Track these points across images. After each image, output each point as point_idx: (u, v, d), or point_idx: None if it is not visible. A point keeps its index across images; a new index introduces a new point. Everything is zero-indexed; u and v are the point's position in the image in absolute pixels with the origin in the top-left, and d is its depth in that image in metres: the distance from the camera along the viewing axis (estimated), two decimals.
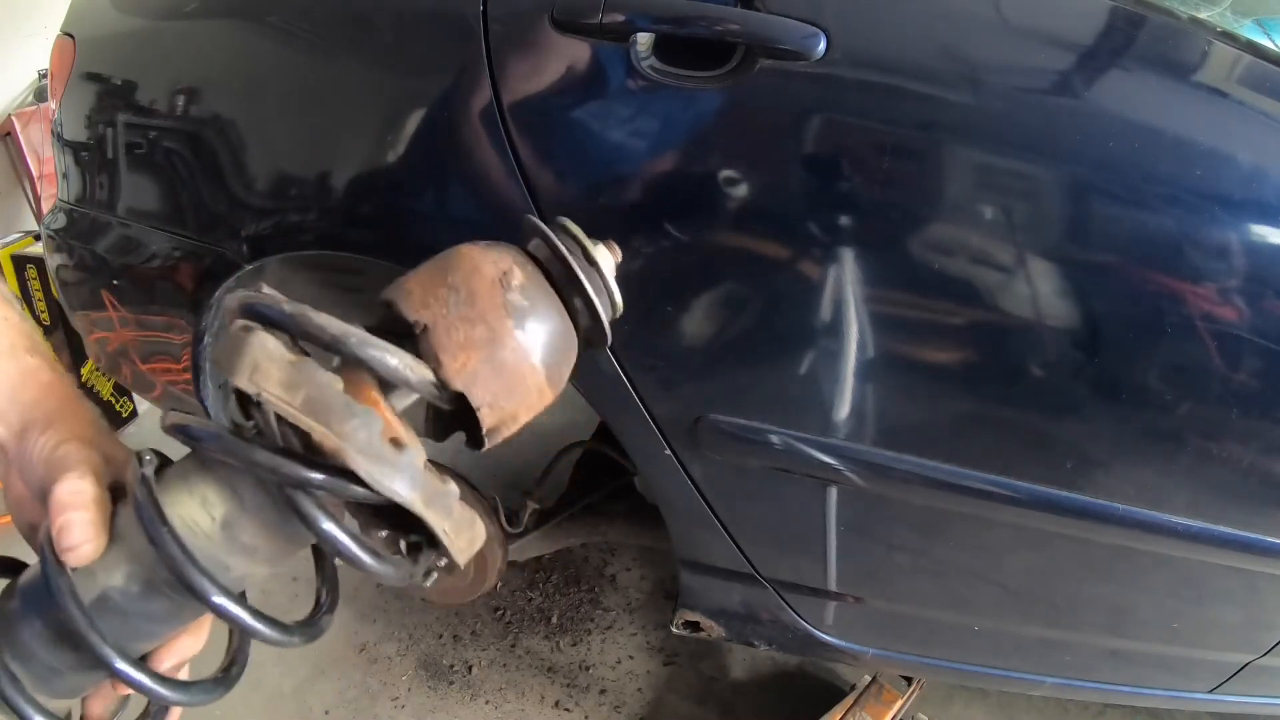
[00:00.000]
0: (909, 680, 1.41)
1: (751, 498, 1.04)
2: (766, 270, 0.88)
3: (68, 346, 2.08)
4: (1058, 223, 0.83)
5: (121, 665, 0.39)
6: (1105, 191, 0.81)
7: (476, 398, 0.37)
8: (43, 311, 2.05)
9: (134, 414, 2.31)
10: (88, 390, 2.15)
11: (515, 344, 0.38)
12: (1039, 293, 0.84)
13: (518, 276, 0.39)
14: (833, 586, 1.09)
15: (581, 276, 0.41)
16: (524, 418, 0.40)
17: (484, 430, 0.39)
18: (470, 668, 1.63)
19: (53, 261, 1.39)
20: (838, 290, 0.86)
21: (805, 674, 1.65)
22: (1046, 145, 0.81)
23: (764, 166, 0.86)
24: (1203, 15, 0.84)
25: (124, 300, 1.25)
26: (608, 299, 0.42)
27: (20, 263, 2.03)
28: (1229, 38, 0.82)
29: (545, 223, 0.43)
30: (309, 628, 0.42)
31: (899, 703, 1.39)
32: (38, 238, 2.04)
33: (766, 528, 1.07)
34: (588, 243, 0.42)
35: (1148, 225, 0.81)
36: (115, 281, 1.24)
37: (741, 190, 0.86)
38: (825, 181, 0.85)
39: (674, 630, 1.23)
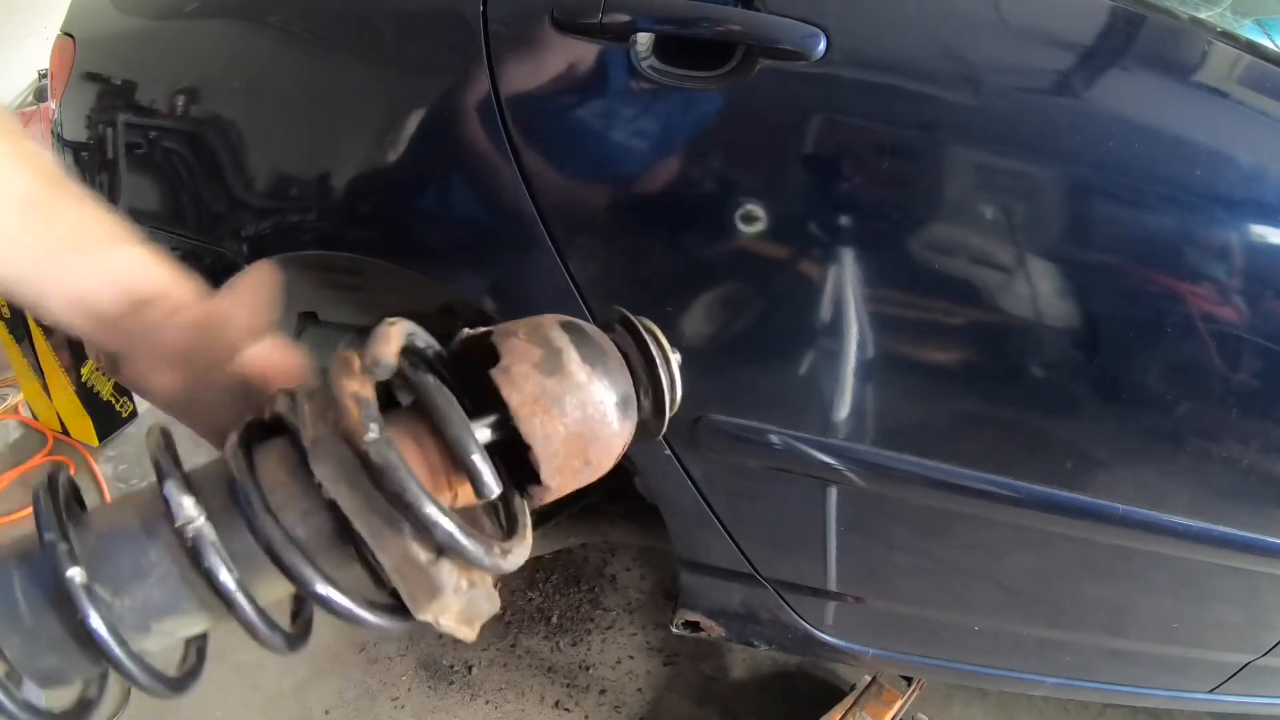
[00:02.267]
0: (909, 680, 1.41)
1: (751, 498, 1.04)
2: (766, 270, 0.88)
3: (68, 346, 2.08)
4: (1058, 223, 0.83)
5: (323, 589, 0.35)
6: (1105, 191, 0.81)
7: (546, 466, 0.38)
8: None
9: (134, 414, 2.31)
10: (88, 390, 2.15)
11: (591, 427, 0.38)
12: (1039, 293, 0.84)
13: (610, 365, 0.40)
14: (833, 586, 1.09)
15: (663, 375, 0.42)
16: (581, 483, 0.41)
17: (537, 501, 0.40)
18: (470, 668, 1.63)
19: None
20: (838, 290, 0.86)
21: (805, 674, 1.65)
22: (1046, 145, 0.81)
23: (764, 166, 0.86)
24: (1203, 15, 0.84)
25: None
26: (674, 395, 0.43)
27: None
28: (1229, 38, 0.82)
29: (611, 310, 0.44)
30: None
31: (899, 703, 1.39)
32: None
33: (766, 528, 1.07)
34: (665, 341, 0.43)
35: (1148, 225, 0.81)
36: None
37: (741, 190, 0.86)
38: (825, 182, 0.85)
39: (674, 630, 1.23)
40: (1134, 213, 0.81)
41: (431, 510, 0.33)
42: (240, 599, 0.35)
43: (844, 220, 0.85)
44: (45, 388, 2.17)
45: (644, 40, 0.84)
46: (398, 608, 0.36)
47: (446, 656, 1.66)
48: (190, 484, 0.35)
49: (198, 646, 0.41)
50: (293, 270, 1.20)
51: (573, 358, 0.38)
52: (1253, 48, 0.81)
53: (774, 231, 0.87)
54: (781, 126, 0.84)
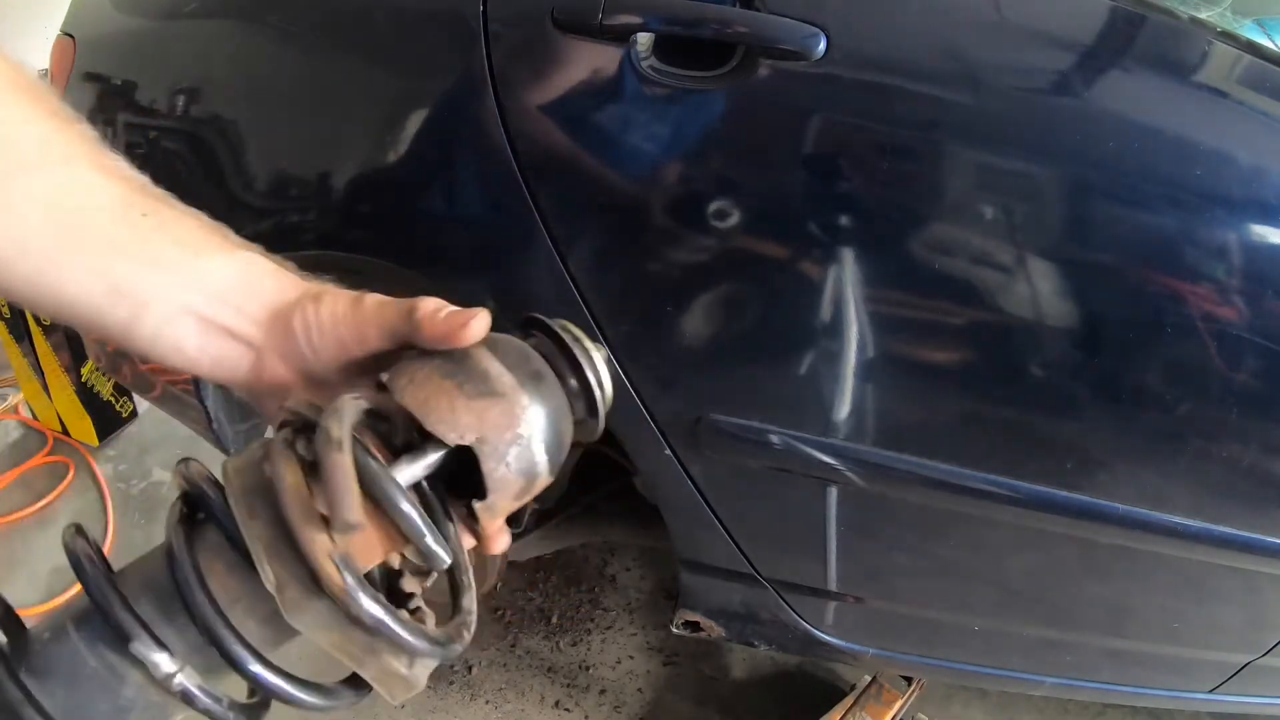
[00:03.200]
0: (909, 680, 1.41)
1: (751, 498, 1.04)
2: (767, 270, 0.88)
3: (68, 346, 2.08)
4: (1058, 223, 0.83)
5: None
6: (1105, 191, 0.81)
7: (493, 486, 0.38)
8: None
9: (134, 414, 2.31)
10: (87, 390, 2.15)
11: (527, 434, 0.38)
12: (1039, 293, 0.84)
13: (537, 376, 0.40)
14: (833, 586, 1.09)
15: (589, 376, 0.42)
16: (525, 501, 0.41)
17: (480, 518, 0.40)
18: (470, 668, 1.63)
19: None
20: (838, 290, 0.86)
21: (805, 674, 1.65)
22: (1046, 145, 0.81)
23: (764, 166, 0.86)
24: (1203, 15, 0.84)
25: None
26: (605, 393, 0.43)
27: None
28: (1229, 38, 0.82)
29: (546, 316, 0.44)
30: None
31: (899, 703, 1.39)
32: None
33: (766, 528, 1.07)
34: (586, 339, 0.43)
35: (1148, 225, 0.81)
36: None
37: (741, 190, 0.86)
38: (825, 182, 0.85)
39: (674, 630, 1.23)
40: (1134, 213, 0.81)
41: (421, 646, 0.35)
42: (231, 716, 0.36)
43: (844, 220, 0.85)
44: (45, 388, 2.17)
45: (644, 40, 0.84)
46: (357, 685, 0.38)
47: None
48: (152, 632, 0.34)
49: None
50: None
51: (510, 389, 0.38)
52: (1253, 48, 0.81)
53: (774, 231, 0.87)
54: (781, 126, 0.84)
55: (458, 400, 0.36)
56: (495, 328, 0.41)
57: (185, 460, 0.38)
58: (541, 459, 0.39)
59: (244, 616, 0.35)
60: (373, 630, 0.34)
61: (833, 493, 0.99)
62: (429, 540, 0.35)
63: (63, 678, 0.35)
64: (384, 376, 0.38)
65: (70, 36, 1.28)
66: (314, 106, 1.00)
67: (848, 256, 0.85)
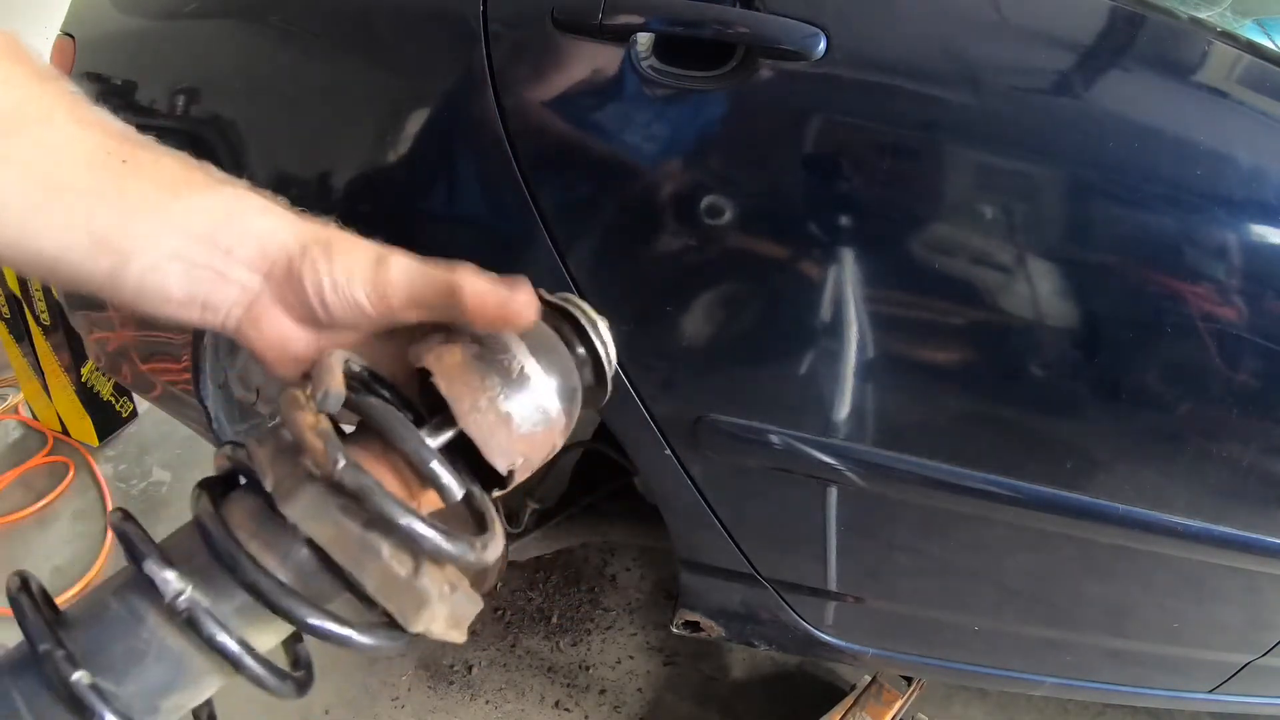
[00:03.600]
0: (909, 680, 1.41)
1: (751, 498, 1.04)
2: (766, 270, 0.88)
3: (68, 346, 2.08)
4: (1058, 223, 0.83)
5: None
6: (1105, 191, 0.81)
7: (498, 459, 0.39)
8: (43, 311, 2.05)
9: (134, 414, 2.31)
10: (88, 390, 2.15)
11: (535, 400, 0.39)
12: (1039, 293, 0.84)
13: (546, 346, 0.41)
14: (833, 586, 1.09)
15: (596, 343, 0.43)
16: (538, 465, 0.42)
17: (506, 478, 0.41)
18: (470, 668, 1.63)
19: None
20: (838, 290, 0.86)
21: (805, 674, 1.65)
22: (1046, 145, 0.81)
23: (764, 166, 0.86)
24: (1203, 15, 0.84)
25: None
26: (610, 359, 0.44)
27: None
28: (1229, 38, 0.82)
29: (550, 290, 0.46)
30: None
31: (899, 703, 1.39)
32: None
33: (766, 528, 1.07)
34: (590, 309, 0.44)
35: (1148, 225, 0.81)
36: None
37: (741, 190, 0.86)
38: (825, 182, 0.85)
39: (674, 630, 1.23)
40: (1134, 213, 0.81)
41: (412, 522, 0.34)
42: (246, 658, 0.35)
43: (844, 220, 0.85)
44: (45, 388, 2.17)
45: (644, 40, 0.84)
46: (391, 625, 0.36)
47: (446, 656, 1.66)
48: (167, 556, 0.35)
49: (208, 713, 0.41)
50: None
51: (522, 356, 0.39)
52: (1253, 48, 0.81)
53: (774, 231, 0.87)
54: (781, 126, 0.84)
55: (488, 386, 0.38)
56: None
57: (231, 442, 0.40)
58: (558, 425, 0.40)
59: (261, 551, 0.35)
60: (359, 501, 0.33)
61: (833, 493, 0.99)
62: (435, 464, 0.35)
63: (86, 624, 0.36)
64: (415, 354, 0.40)
65: (70, 36, 1.28)
66: (314, 106, 1.00)
67: (848, 256, 0.85)
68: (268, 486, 0.35)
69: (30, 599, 0.37)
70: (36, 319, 2.07)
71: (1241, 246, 0.81)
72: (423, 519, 0.34)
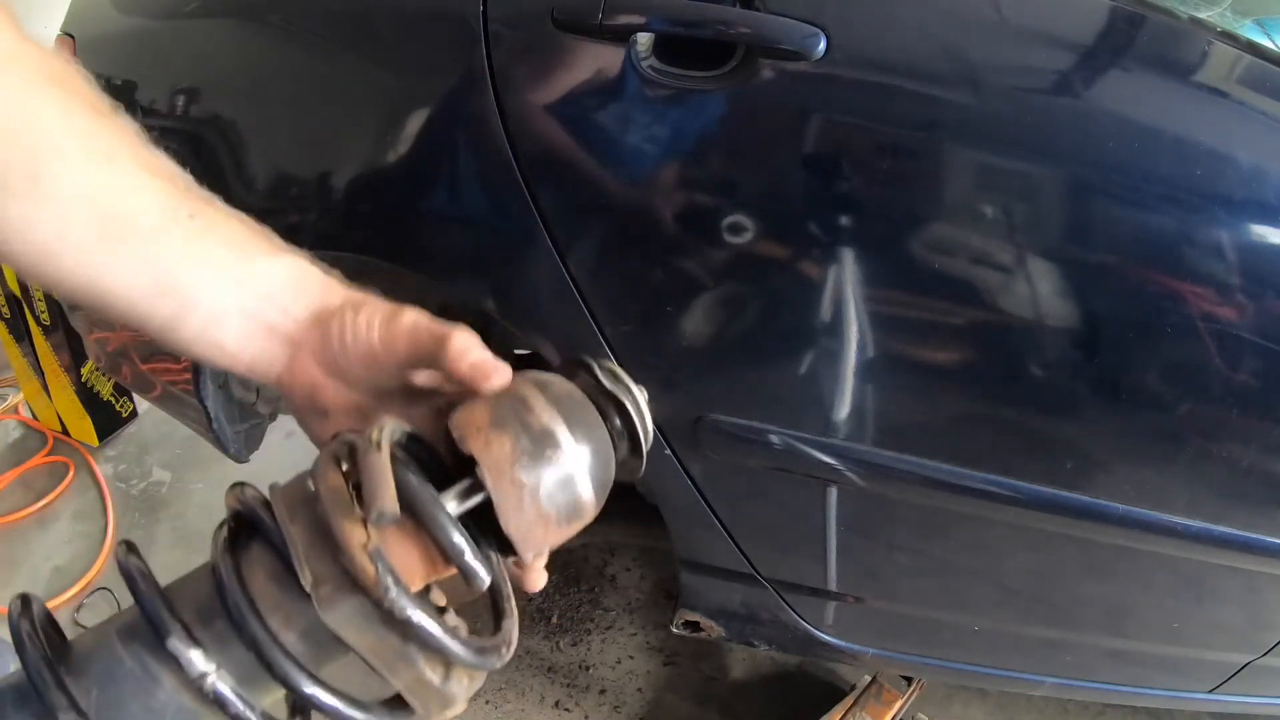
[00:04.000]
0: (909, 680, 1.41)
1: (751, 498, 1.04)
2: (766, 270, 0.88)
3: (68, 346, 2.08)
4: (1058, 223, 0.83)
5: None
6: (1105, 191, 0.81)
7: (528, 553, 0.38)
8: (43, 312, 2.05)
9: (134, 414, 2.31)
10: (88, 390, 2.15)
11: (571, 489, 0.39)
12: (1039, 293, 0.84)
13: (587, 423, 0.40)
14: (833, 586, 1.09)
15: (634, 417, 0.42)
16: (562, 541, 0.41)
17: (524, 560, 0.40)
18: None
19: None
20: (838, 290, 0.86)
21: (805, 674, 1.65)
22: (1046, 145, 0.81)
23: (764, 166, 0.86)
24: (1203, 15, 0.84)
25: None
26: (647, 433, 0.43)
27: None
28: (1229, 38, 0.82)
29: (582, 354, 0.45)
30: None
31: (899, 703, 1.39)
32: None
33: (766, 528, 1.08)
34: (628, 379, 0.43)
35: (1148, 225, 0.81)
36: None
37: (741, 190, 0.86)
38: (825, 182, 0.85)
39: (674, 630, 1.23)
40: (1134, 213, 0.81)
41: (455, 648, 0.35)
42: None
43: (844, 220, 0.85)
44: (45, 388, 2.17)
45: (644, 40, 0.84)
46: (399, 708, 0.37)
47: None
48: (190, 630, 0.34)
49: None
50: None
51: (555, 426, 0.38)
52: (1253, 48, 0.81)
53: (774, 231, 0.87)
54: (781, 126, 0.84)
55: (519, 454, 0.37)
56: (521, 361, 0.41)
57: (239, 485, 0.39)
58: (588, 503, 0.39)
59: (282, 626, 0.35)
60: (404, 626, 0.34)
61: (833, 493, 0.99)
62: (469, 556, 0.35)
63: (98, 677, 0.35)
64: (449, 416, 0.39)
65: (70, 36, 1.28)
66: (314, 106, 1.00)
67: (848, 256, 0.85)
68: (304, 584, 0.34)
69: (32, 634, 0.35)
70: (36, 319, 2.07)
71: (1241, 246, 0.81)
72: (463, 643, 0.35)
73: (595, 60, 0.86)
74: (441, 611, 0.39)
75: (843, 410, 0.91)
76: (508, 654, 0.38)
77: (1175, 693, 1.22)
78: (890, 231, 0.85)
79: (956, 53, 0.82)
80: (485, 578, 0.35)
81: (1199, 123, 0.81)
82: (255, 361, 0.43)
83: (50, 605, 1.84)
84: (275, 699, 0.37)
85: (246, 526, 0.38)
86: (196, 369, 1.18)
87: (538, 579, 0.43)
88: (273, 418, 1.38)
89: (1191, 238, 0.80)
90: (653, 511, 1.12)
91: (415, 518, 0.35)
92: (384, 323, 0.41)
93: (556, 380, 0.41)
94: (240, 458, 1.35)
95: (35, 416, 2.29)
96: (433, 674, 0.35)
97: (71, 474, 2.11)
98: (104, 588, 1.79)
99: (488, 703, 1.57)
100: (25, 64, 0.38)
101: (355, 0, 0.98)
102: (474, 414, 0.38)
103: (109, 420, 2.24)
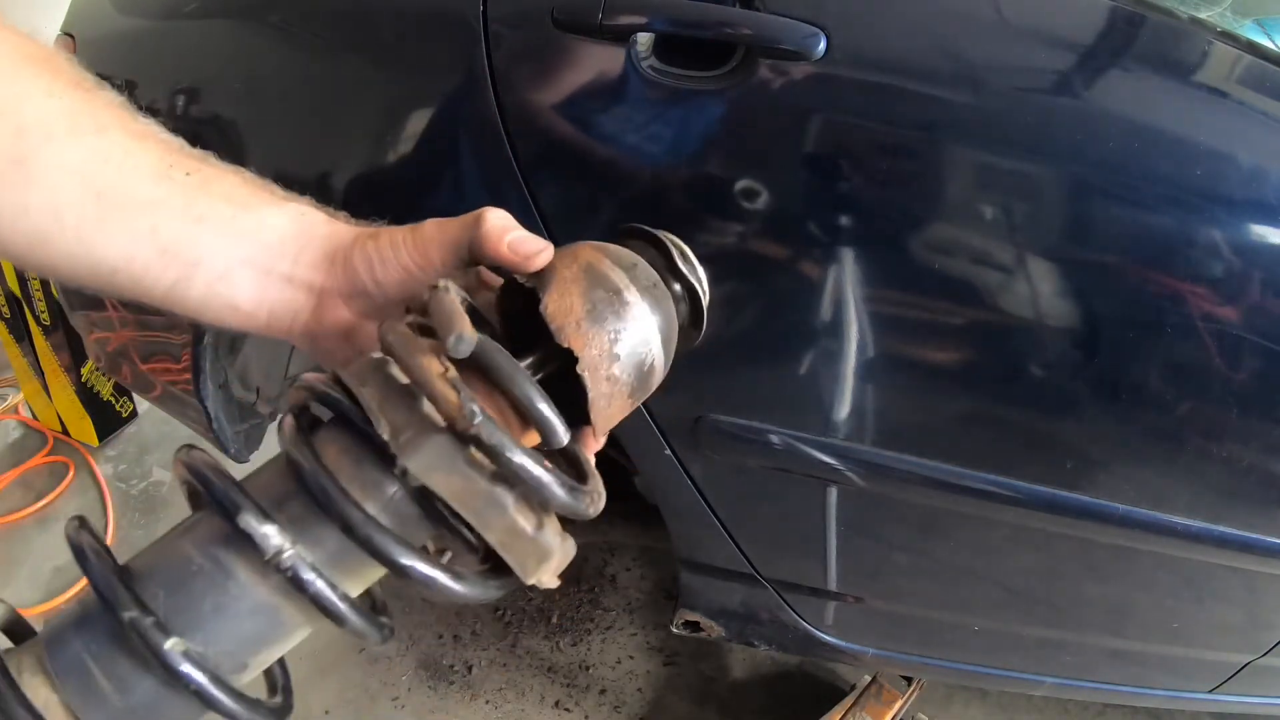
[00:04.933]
0: (909, 680, 1.41)
1: (751, 498, 1.04)
2: (766, 270, 0.88)
3: (68, 346, 2.08)
4: (1058, 223, 0.83)
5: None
6: (1105, 191, 0.81)
7: (601, 422, 0.38)
8: (43, 312, 2.05)
9: (134, 414, 2.31)
10: (88, 390, 2.15)
11: (642, 351, 0.38)
12: (1039, 293, 0.84)
13: (654, 288, 0.40)
14: (833, 586, 1.09)
15: (693, 281, 0.42)
16: (618, 420, 0.41)
17: (598, 439, 0.40)
18: (470, 668, 1.63)
19: None
20: (838, 290, 0.86)
21: (805, 674, 1.65)
22: (1046, 145, 0.81)
23: (764, 166, 0.86)
24: (1203, 15, 0.84)
25: (124, 300, 1.25)
26: (706, 298, 0.43)
27: None
28: (1229, 38, 0.82)
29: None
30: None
31: (899, 703, 1.39)
32: None
33: (766, 528, 1.07)
34: (687, 248, 0.43)
35: (1148, 225, 0.81)
36: None
37: (741, 190, 0.86)
38: (825, 181, 0.85)
39: (674, 630, 1.23)
40: (1134, 213, 0.81)
41: (547, 479, 0.32)
42: (350, 613, 0.33)
43: (844, 220, 0.85)
44: (45, 388, 2.17)
45: (644, 40, 0.84)
46: (497, 573, 0.35)
47: (446, 656, 1.66)
48: (262, 507, 0.32)
49: (280, 666, 0.39)
50: None
51: (627, 290, 0.38)
52: (1253, 48, 0.81)
53: (774, 231, 0.87)
54: (781, 126, 0.84)
55: (613, 351, 0.37)
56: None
57: (302, 378, 0.37)
58: (658, 368, 0.39)
59: (362, 499, 0.33)
60: (493, 456, 0.31)
61: (833, 493, 0.99)
62: (548, 410, 0.33)
63: (164, 579, 0.33)
64: (525, 281, 0.39)
65: (70, 36, 1.28)
66: (314, 106, 1.00)
67: (847, 256, 0.85)
68: (383, 434, 0.32)
69: (97, 549, 0.33)
70: (36, 319, 2.07)
71: (1241, 246, 0.81)
72: (555, 475, 0.33)
73: (595, 60, 0.86)
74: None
75: (843, 410, 0.91)
76: (600, 502, 0.36)
77: (1175, 693, 1.22)
78: (890, 231, 0.85)
79: (956, 53, 0.82)
80: (564, 434, 0.34)
81: (1199, 123, 0.81)
82: (274, 316, 0.41)
83: (50, 605, 1.85)
84: (354, 581, 0.35)
85: (312, 418, 0.36)
86: (197, 369, 1.18)
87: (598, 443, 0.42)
88: (272, 417, 1.38)
89: (1191, 238, 0.80)
90: (653, 511, 1.12)
91: (488, 373, 0.33)
92: (409, 239, 0.40)
93: (640, 264, 0.40)
94: (240, 458, 1.35)
95: (35, 416, 2.29)
96: (526, 521, 0.33)
97: (71, 474, 2.11)
98: None
99: (488, 703, 1.57)
100: (2, 46, 0.37)
101: (355, 0, 0.98)
102: (568, 302, 0.37)
103: (109, 420, 2.24)
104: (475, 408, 0.31)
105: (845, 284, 0.86)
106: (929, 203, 0.84)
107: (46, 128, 0.36)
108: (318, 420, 0.36)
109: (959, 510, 0.96)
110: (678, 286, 0.42)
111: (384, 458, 0.33)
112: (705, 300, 0.43)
